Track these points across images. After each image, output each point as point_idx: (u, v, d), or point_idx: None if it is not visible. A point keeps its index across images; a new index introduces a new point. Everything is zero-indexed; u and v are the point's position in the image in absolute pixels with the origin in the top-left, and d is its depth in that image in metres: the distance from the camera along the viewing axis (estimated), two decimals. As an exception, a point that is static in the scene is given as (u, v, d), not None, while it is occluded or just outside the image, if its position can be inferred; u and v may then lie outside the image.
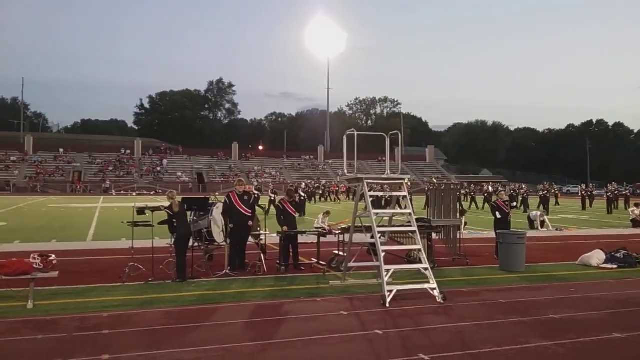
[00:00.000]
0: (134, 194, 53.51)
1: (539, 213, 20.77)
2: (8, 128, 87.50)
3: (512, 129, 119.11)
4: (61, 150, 69.40)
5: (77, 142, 78.18)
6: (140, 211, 10.21)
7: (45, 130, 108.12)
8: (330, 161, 77.05)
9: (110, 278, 9.43)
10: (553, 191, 40.29)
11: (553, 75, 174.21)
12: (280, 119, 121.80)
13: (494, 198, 21.03)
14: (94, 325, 6.59)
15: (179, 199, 9.97)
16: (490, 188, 36.47)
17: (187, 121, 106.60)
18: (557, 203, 38.73)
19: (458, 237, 12.01)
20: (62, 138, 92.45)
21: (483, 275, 10.43)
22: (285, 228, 10.83)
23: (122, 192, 57.13)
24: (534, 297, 8.61)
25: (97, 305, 7.60)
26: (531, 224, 19.92)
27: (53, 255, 8.00)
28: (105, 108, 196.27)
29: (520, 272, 10.61)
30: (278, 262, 10.74)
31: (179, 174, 68.10)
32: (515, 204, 14.06)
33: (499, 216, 12.31)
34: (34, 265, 7.57)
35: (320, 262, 10.92)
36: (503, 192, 13.27)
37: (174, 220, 9.65)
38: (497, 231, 11.83)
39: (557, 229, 19.66)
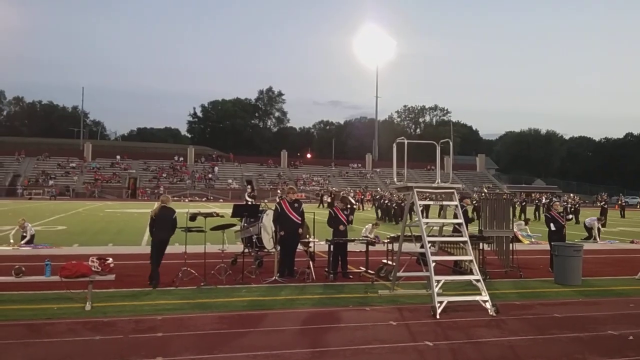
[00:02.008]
0: (187, 200, 54.80)
1: (595, 219, 19.78)
2: (69, 135, 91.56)
3: (567, 137, 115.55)
4: (118, 157, 71.94)
5: (133, 150, 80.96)
6: (193, 217, 10.50)
7: (103, 138, 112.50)
8: (378, 169, 76.69)
9: (164, 282, 9.68)
10: (620, 203, 38.77)
11: (609, 83, 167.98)
12: (328, 127, 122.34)
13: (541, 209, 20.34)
14: (149, 328, 6.79)
15: (170, 204, 9.98)
16: (544, 198, 35.40)
17: (238, 129, 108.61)
18: (622, 215, 37.09)
19: (510, 248, 11.72)
20: (119, 145, 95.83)
21: (537, 288, 10.15)
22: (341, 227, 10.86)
23: (175, 198, 58.66)
24: (591, 312, 8.31)
25: (151, 309, 7.83)
26: (589, 231, 19.15)
27: (110, 259, 8.28)
28: (160, 116, 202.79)
29: (576, 286, 10.24)
30: (327, 269, 10.78)
31: (230, 180, 69.33)
32: (571, 216, 13.55)
33: (553, 228, 11.96)
34: (92, 268, 7.87)
35: (369, 271, 10.89)
36: (557, 203, 12.87)
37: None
38: (552, 243, 11.48)
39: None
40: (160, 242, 9.69)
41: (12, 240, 14.50)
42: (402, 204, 26.85)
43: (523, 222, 20.31)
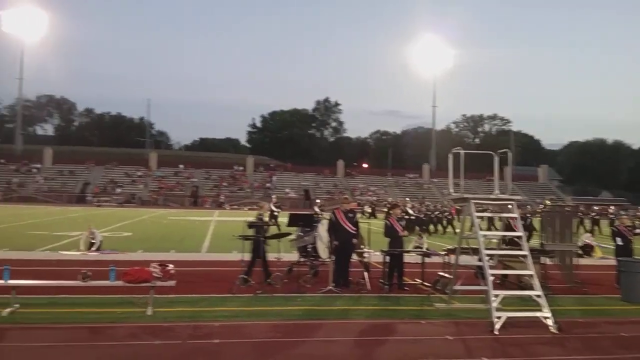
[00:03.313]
0: (246, 209, 55.81)
1: None
2: (135, 145, 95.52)
3: (635, 147, 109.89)
4: (181, 166, 74.24)
5: (195, 159, 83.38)
6: (251, 226, 10.70)
7: (167, 148, 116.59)
8: (436, 180, 75.49)
9: (222, 289, 9.89)
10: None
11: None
12: (384, 137, 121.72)
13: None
14: (206, 334, 6.96)
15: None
16: (610, 211, 33.71)
17: (295, 139, 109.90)
18: None
19: (574, 263, 11.26)
20: (182, 155, 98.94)
21: (602, 306, 9.69)
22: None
23: (235, 206, 59.85)
24: (662, 332, 7.86)
25: (209, 315, 8.02)
26: None
27: (171, 265, 8.55)
28: (222, 127, 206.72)
29: (645, 304, 9.71)
30: (381, 280, 10.70)
31: (287, 190, 70.10)
32: (638, 230, 12.86)
33: (620, 242, 11.41)
34: (154, 274, 8.16)
35: (425, 283, 10.73)
36: (625, 217, 12.27)
37: None
38: (619, 258, 10.94)
39: None
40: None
41: (82, 247, 15.21)
42: (418, 215, 26.18)
43: (590, 234, 19.43)
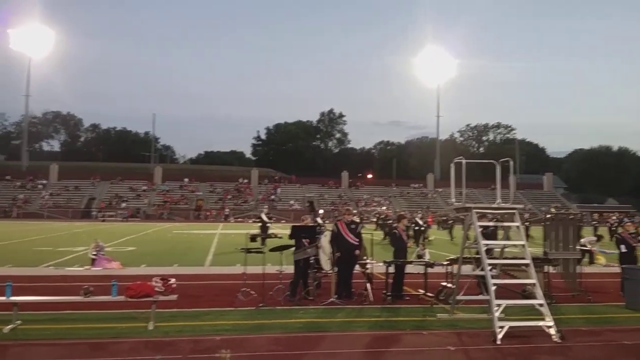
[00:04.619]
0: (250, 221, 55.83)
1: None
2: (141, 160, 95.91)
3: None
4: (186, 180, 74.45)
5: (200, 172, 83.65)
6: (253, 238, 10.71)
7: (172, 162, 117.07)
8: (440, 189, 75.28)
9: (224, 302, 9.89)
10: None
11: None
12: (389, 147, 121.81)
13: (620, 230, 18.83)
14: (207, 348, 6.95)
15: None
16: (614, 218, 33.51)
17: (300, 151, 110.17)
18: None
19: (578, 270, 11.19)
20: (187, 168, 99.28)
21: (606, 314, 9.62)
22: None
23: (240, 219, 59.88)
24: (667, 340, 7.78)
25: (211, 329, 8.01)
26: None
27: (173, 279, 8.56)
28: (227, 140, 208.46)
29: (650, 312, 9.63)
30: (384, 291, 10.66)
31: (292, 202, 70.10)
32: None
33: (624, 250, 11.34)
34: (156, 289, 8.17)
35: (428, 294, 10.68)
36: (629, 223, 12.19)
37: None
38: (623, 266, 10.88)
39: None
40: None
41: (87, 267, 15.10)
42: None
43: (595, 239, 19.23)
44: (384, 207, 55.52)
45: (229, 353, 6.68)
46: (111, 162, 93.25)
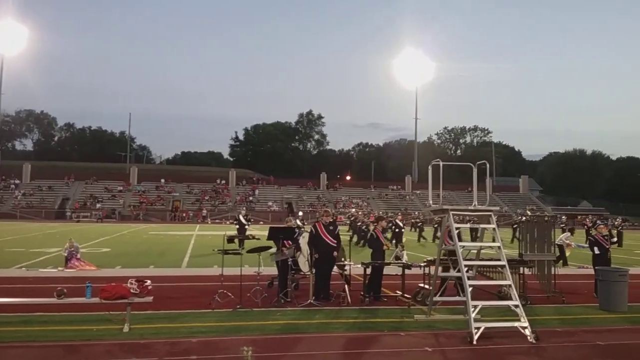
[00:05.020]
0: (228, 223, 55.49)
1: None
2: (116, 160, 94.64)
3: (614, 158, 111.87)
4: (162, 180, 73.69)
5: (177, 173, 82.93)
6: (230, 239, 10.63)
7: (149, 162, 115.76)
8: (418, 191, 75.87)
9: (200, 304, 9.79)
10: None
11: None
12: (367, 149, 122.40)
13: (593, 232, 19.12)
14: (183, 350, 6.87)
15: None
16: (587, 221, 34.16)
17: (278, 152, 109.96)
18: None
19: (553, 272, 11.36)
20: (164, 169, 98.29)
21: (580, 315, 9.78)
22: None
23: (217, 220, 59.48)
24: (637, 339, 7.96)
25: (187, 331, 7.92)
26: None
27: (149, 281, 8.45)
28: (204, 140, 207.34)
29: (622, 312, 9.80)
30: (362, 293, 10.68)
31: (270, 203, 69.91)
32: (615, 239, 13.05)
33: (597, 252, 11.53)
34: (131, 290, 8.05)
35: (405, 295, 10.74)
36: (602, 226, 12.40)
37: None
38: (596, 267, 11.07)
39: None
40: None
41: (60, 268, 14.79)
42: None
43: (569, 234, 19.57)
44: (354, 209, 55.71)
45: (251, 351, 6.60)
46: (86, 162, 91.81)
